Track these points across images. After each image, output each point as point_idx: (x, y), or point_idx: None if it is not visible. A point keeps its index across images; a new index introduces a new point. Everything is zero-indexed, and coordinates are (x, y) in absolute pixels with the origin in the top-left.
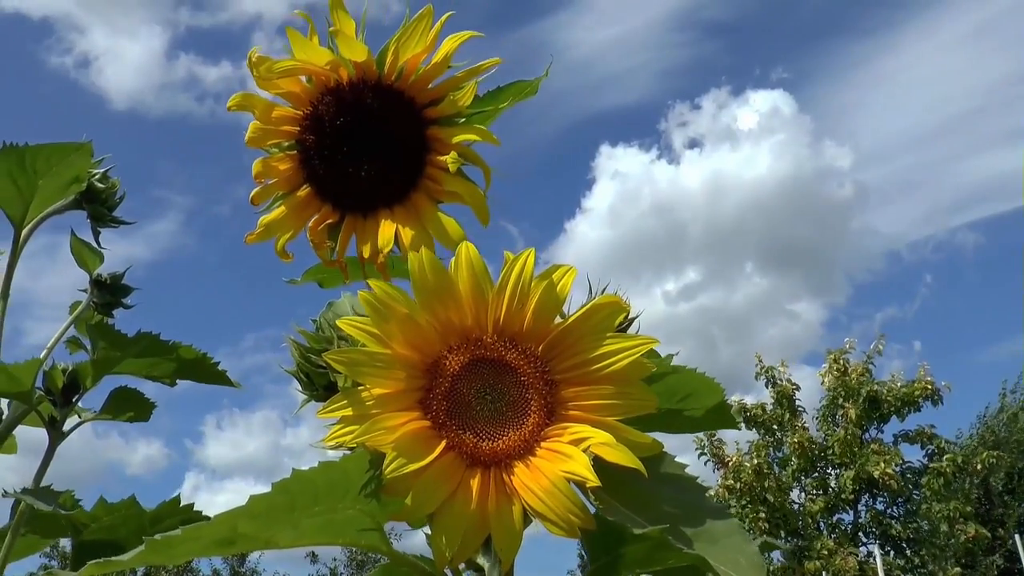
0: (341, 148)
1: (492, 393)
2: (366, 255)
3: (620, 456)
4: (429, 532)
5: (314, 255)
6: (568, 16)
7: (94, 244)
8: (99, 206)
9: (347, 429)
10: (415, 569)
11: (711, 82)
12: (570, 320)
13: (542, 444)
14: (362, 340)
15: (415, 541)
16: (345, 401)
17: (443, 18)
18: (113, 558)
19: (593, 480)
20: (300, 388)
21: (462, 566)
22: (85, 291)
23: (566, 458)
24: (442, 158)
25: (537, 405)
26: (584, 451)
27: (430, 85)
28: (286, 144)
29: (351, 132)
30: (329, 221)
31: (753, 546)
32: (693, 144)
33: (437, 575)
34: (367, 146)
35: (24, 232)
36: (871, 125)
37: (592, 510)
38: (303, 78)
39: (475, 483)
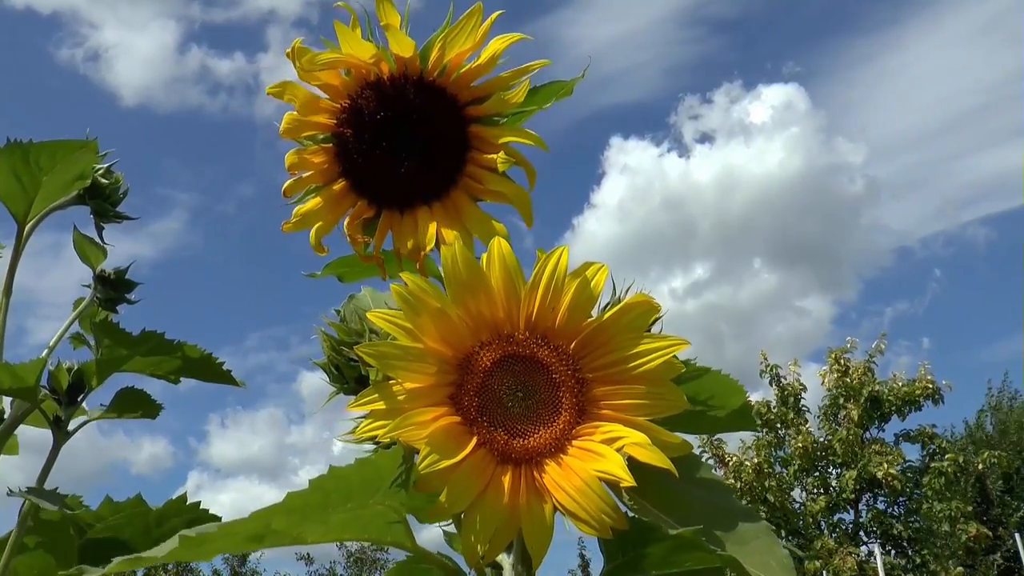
0: (380, 143)
1: (523, 390)
2: (403, 252)
3: (653, 457)
4: (448, 528)
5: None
6: (571, 13)
7: (97, 240)
8: (102, 201)
9: (378, 423)
10: (437, 565)
11: (721, 77)
12: (604, 318)
13: (573, 443)
14: (393, 333)
15: (427, 535)
16: (376, 395)
17: (492, 16)
18: (144, 554)
19: (628, 480)
20: (329, 380)
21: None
22: (89, 287)
23: (599, 457)
24: (487, 157)
25: (568, 403)
26: (618, 451)
27: (474, 83)
28: (321, 137)
29: (391, 127)
30: (365, 216)
31: (782, 549)
32: (704, 138)
33: (462, 572)
34: (407, 142)
35: (27, 228)
36: (880, 121)
37: (623, 509)
38: (342, 71)
39: (506, 480)
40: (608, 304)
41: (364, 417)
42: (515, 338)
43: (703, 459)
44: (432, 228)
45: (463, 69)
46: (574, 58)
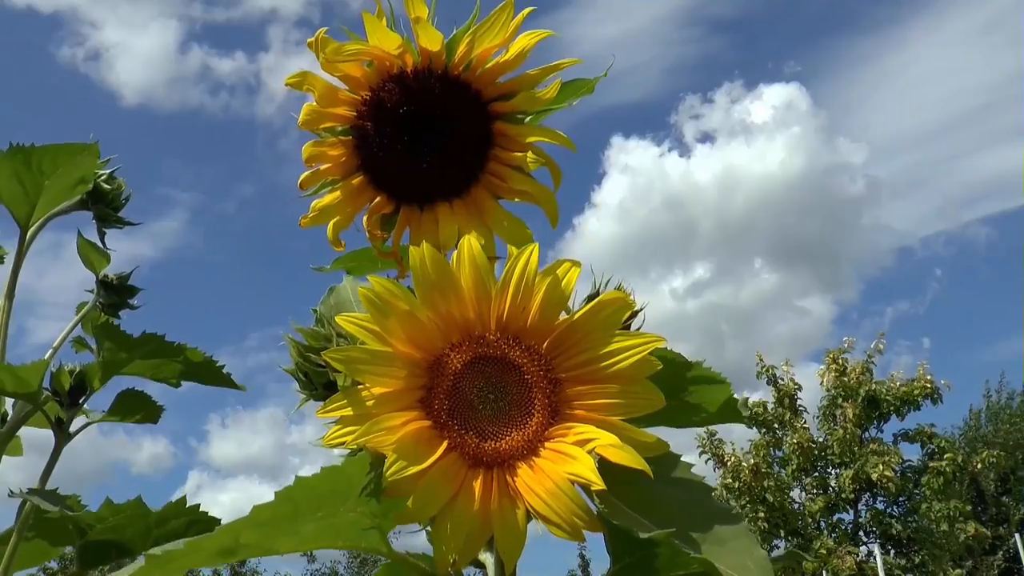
0: (401, 137)
1: (495, 392)
2: None
3: (626, 457)
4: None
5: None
6: (571, 13)
7: (100, 244)
8: (105, 207)
9: (347, 430)
10: (416, 570)
11: (722, 77)
12: (575, 317)
13: (546, 444)
14: (361, 337)
15: (416, 540)
16: (344, 401)
17: (524, 12)
18: None
19: (598, 483)
20: (299, 387)
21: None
22: (91, 291)
23: (570, 459)
24: (511, 154)
25: (541, 404)
26: (589, 452)
27: (500, 79)
28: (339, 129)
29: (413, 121)
30: (384, 211)
31: (761, 549)
32: (705, 138)
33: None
34: (430, 137)
35: (30, 232)
36: (881, 121)
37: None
38: (364, 62)
39: (477, 484)
40: (584, 300)
41: (336, 423)
42: (486, 339)
43: (703, 459)
44: (454, 226)
45: (489, 64)
46: (576, 56)
